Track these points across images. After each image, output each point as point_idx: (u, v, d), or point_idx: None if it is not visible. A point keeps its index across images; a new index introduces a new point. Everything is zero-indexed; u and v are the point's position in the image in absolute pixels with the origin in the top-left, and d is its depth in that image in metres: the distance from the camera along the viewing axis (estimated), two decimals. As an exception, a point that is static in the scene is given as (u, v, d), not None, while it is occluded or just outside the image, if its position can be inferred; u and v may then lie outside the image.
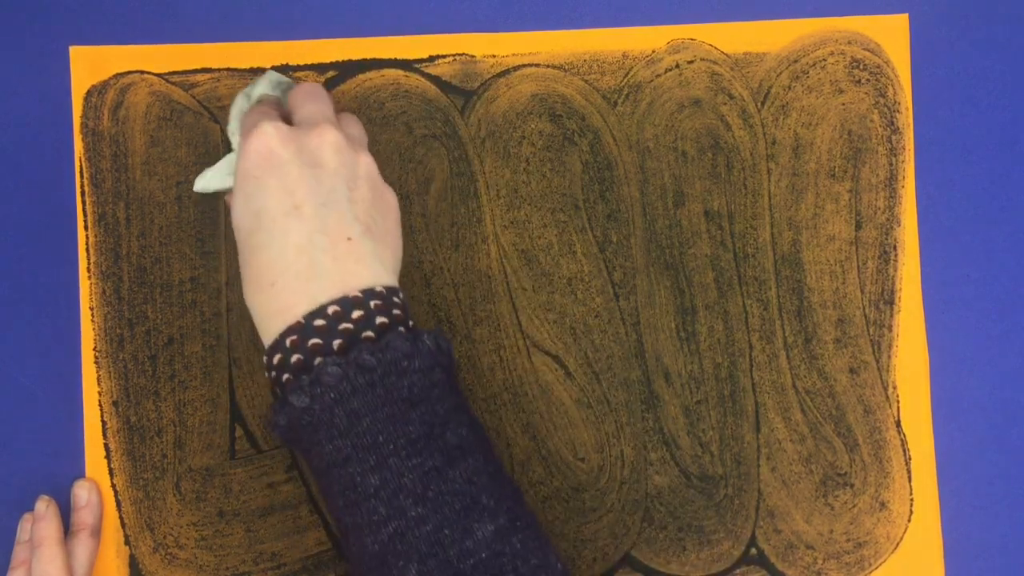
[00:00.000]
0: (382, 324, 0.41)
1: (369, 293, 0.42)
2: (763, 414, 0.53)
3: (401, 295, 0.43)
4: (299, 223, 0.42)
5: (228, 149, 0.51)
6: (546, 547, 0.41)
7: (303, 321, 0.41)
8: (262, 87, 0.49)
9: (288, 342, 0.41)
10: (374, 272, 0.42)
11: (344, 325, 0.41)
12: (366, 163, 0.45)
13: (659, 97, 0.53)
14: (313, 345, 0.41)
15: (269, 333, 0.42)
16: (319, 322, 0.41)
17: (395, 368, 0.40)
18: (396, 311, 0.42)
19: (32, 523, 0.50)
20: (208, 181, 0.50)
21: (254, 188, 0.43)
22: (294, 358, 0.41)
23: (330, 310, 0.41)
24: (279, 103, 0.49)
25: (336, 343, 0.41)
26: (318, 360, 0.40)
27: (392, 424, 0.40)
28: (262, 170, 0.43)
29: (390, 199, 0.46)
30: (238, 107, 0.49)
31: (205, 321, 0.53)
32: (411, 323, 0.43)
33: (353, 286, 0.42)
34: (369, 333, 0.41)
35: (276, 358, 0.41)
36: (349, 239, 0.42)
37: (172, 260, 0.53)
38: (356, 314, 0.41)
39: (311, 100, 0.46)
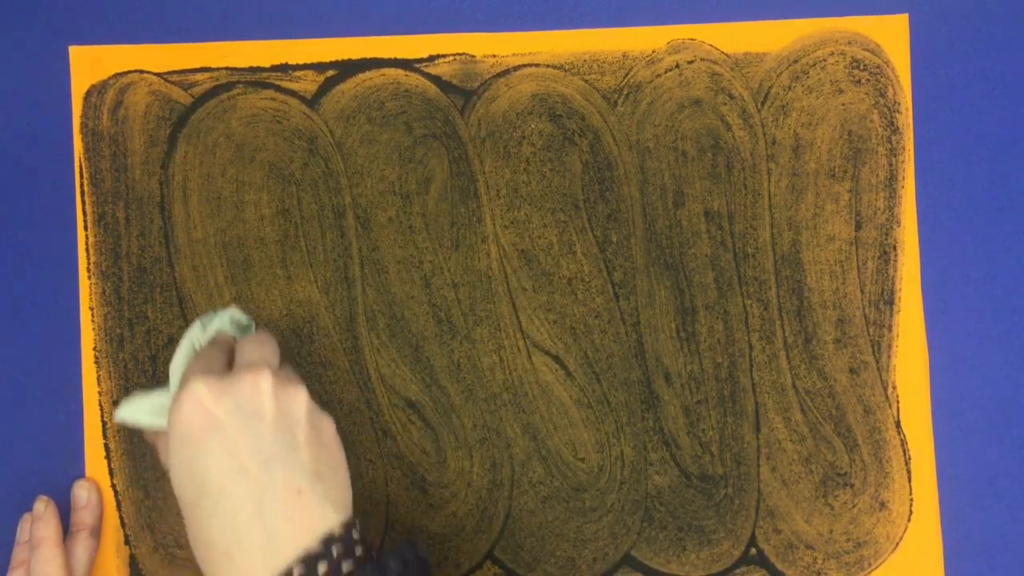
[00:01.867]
0: (349, 574, 0.40)
1: (328, 539, 0.40)
2: (763, 414, 0.53)
3: (357, 523, 0.41)
4: (246, 487, 0.40)
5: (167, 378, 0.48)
6: None
7: None
8: (219, 323, 0.48)
9: None
10: (328, 518, 0.40)
11: None
12: (301, 399, 0.42)
13: (659, 97, 0.53)
14: None
15: None
16: None
17: None
18: (358, 549, 0.40)
19: (31, 523, 0.50)
20: (137, 414, 0.45)
21: (193, 454, 0.40)
22: None
23: (295, 573, 0.39)
24: (230, 346, 0.47)
25: None
26: None
27: None
28: (199, 433, 0.40)
29: (328, 427, 0.43)
30: (190, 336, 0.47)
31: (205, 321, 0.53)
32: (372, 551, 0.41)
33: (311, 538, 0.39)
34: None
35: None
36: (300, 492, 0.40)
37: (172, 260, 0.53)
38: (322, 570, 0.39)
39: (255, 347, 0.44)
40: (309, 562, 0.39)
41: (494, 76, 0.53)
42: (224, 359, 0.45)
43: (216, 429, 0.40)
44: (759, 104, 0.54)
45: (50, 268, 0.53)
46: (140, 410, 0.45)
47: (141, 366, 0.52)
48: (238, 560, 0.39)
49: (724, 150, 0.53)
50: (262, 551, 0.39)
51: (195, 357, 0.45)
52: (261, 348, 0.44)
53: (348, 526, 0.40)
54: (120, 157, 0.53)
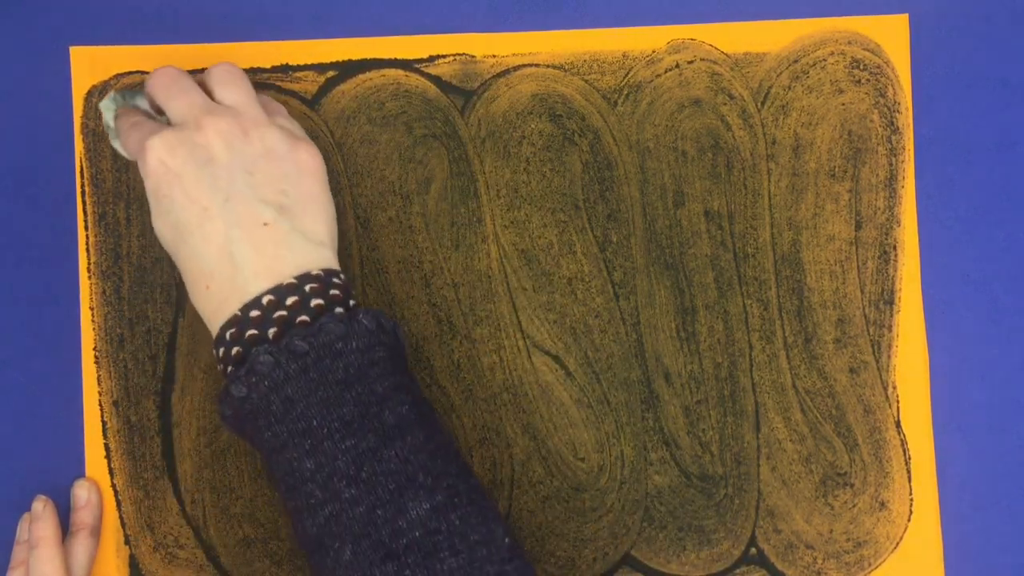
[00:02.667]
0: (318, 307, 0.42)
1: (304, 278, 0.42)
2: (763, 414, 0.53)
3: (342, 276, 0.44)
4: (211, 225, 0.42)
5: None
6: (491, 522, 0.41)
7: (239, 313, 0.42)
8: (120, 101, 0.50)
9: (228, 335, 0.42)
10: (303, 253, 0.43)
11: (279, 313, 0.41)
12: (263, 136, 0.44)
13: (659, 97, 0.53)
14: (250, 336, 0.41)
15: (213, 331, 0.43)
16: (254, 313, 0.41)
17: (328, 351, 0.40)
18: (334, 291, 0.42)
19: (30, 523, 0.50)
20: (107, 122, 0.50)
21: (165, 205, 0.43)
22: (234, 350, 0.42)
23: (264, 300, 0.41)
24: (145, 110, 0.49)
25: (271, 331, 0.41)
26: (254, 350, 0.41)
27: (326, 408, 0.40)
28: (165, 186, 0.43)
29: (306, 160, 0.45)
30: (108, 115, 0.50)
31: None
32: (352, 303, 0.43)
33: (285, 273, 0.42)
34: (304, 318, 0.41)
35: (220, 352, 0.42)
36: (265, 224, 0.42)
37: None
38: (290, 300, 0.41)
39: (224, 84, 0.46)
40: (278, 292, 0.41)
41: (494, 76, 0.53)
42: (155, 122, 0.46)
43: (176, 177, 0.43)
44: (759, 104, 0.54)
45: (50, 268, 0.53)
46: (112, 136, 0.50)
47: (141, 366, 0.52)
48: (213, 289, 0.43)
49: (724, 150, 0.53)
50: (231, 281, 0.42)
51: (126, 127, 0.46)
52: (231, 87, 0.45)
53: (329, 272, 0.43)
54: (120, 157, 0.53)
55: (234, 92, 0.45)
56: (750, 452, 0.53)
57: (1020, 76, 0.54)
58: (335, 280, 0.43)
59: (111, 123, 0.49)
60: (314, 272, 0.42)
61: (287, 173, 0.44)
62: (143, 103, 0.49)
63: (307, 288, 0.42)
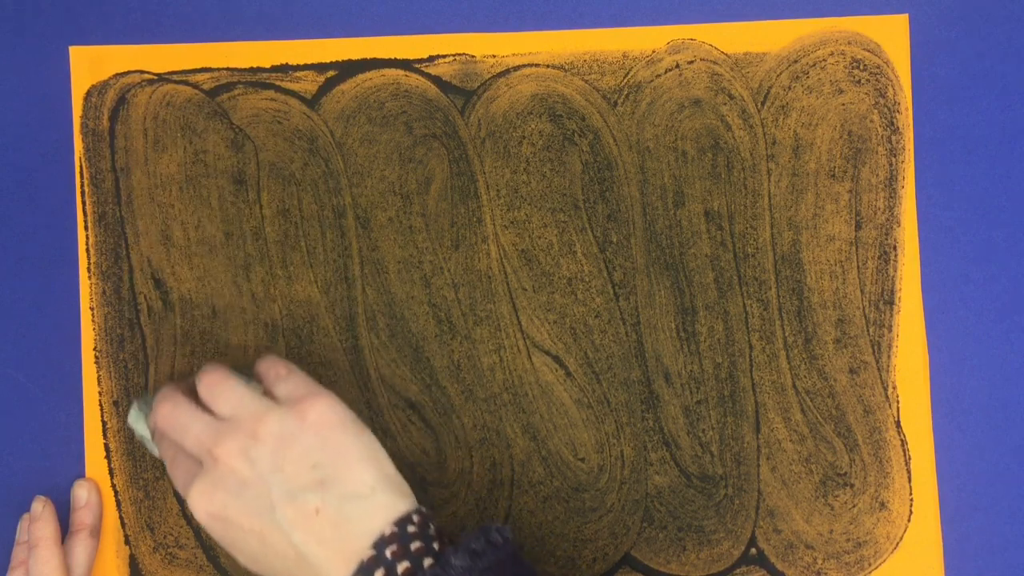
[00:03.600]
0: (406, 571, 0.39)
1: (381, 543, 0.40)
2: (763, 414, 0.53)
3: (415, 516, 0.41)
4: (272, 541, 0.41)
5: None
6: None
7: None
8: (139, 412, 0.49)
9: None
10: (366, 516, 0.41)
11: None
12: (269, 428, 0.42)
13: (659, 97, 0.53)
14: None
15: None
16: None
17: None
18: (415, 543, 0.40)
19: (29, 523, 0.50)
20: (142, 431, 0.49)
21: (230, 545, 0.43)
22: None
23: None
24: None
25: None
26: None
27: None
28: (220, 530, 0.42)
29: (318, 418, 0.43)
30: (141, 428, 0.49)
31: (205, 320, 0.53)
32: (436, 544, 0.41)
33: (360, 547, 0.40)
34: None
35: None
36: (316, 511, 0.41)
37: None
38: (378, 574, 0.39)
39: (215, 395, 0.44)
40: (362, 572, 0.39)
41: (494, 76, 0.53)
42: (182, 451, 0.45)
43: (226, 521, 0.42)
44: (759, 104, 0.54)
45: (50, 268, 0.53)
46: (142, 435, 0.49)
47: (141, 366, 0.52)
48: None
49: (724, 150, 0.53)
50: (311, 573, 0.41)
51: (172, 459, 0.45)
52: (217, 397, 0.44)
53: (402, 522, 0.40)
54: (120, 157, 0.53)
55: (224, 400, 0.44)
56: (750, 452, 0.53)
57: (1020, 76, 0.54)
58: (410, 528, 0.41)
59: (146, 433, 0.48)
60: (388, 532, 0.40)
61: (308, 446, 0.42)
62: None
63: (388, 554, 0.40)
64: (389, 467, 0.43)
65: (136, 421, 0.49)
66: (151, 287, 0.53)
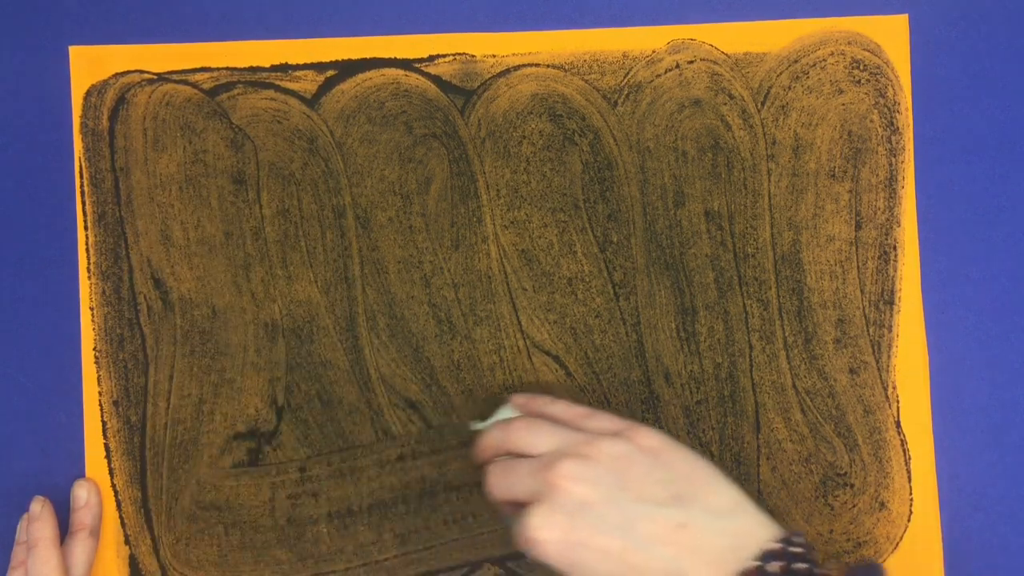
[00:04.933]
0: None
1: (766, 555, 0.39)
2: (763, 414, 0.53)
3: (799, 536, 0.40)
4: (636, 561, 0.40)
5: None
6: None
7: None
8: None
9: None
10: (743, 531, 0.40)
11: None
12: (600, 449, 0.42)
13: (659, 97, 0.53)
14: None
15: None
16: None
17: None
18: (801, 564, 0.39)
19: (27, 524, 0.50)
20: None
21: (581, 571, 0.42)
22: None
23: None
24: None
25: None
26: None
27: None
28: (569, 556, 0.41)
29: (648, 441, 0.43)
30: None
31: (204, 321, 0.53)
32: (817, 571, 0.40)
33: (741, 558, 0.40)
34: None
35: None
36: (682, 526, 0.41)
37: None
38: None
39: (532, 436, 0.44)
40: None
41: (494, 76, 0.53)
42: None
43: (577, 545, 0.41)
44: (759, 104, 0.54)
45: (50, 268, 0.53)
46: None
47: (141, 366, 0.52)
48: None
49: (724, 150, 0.53)
50: None
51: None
52: (534, 434, 0.44)
53: (785, 540, 0.40)
54: (120, 157, 0.53)
55: (543, 437, 0.44)
56: (750, 452, 0.53)
57: (1020, 76, 0.54)
58: (792, 549, 0.40)
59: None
60: (772, 548, 0.40)
61: (649, 466, 0.42)
62: None
63: (776, 568, 0.39)
64: (737, 488, 0.43)
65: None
66: (151, 287, 0.53)
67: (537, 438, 0.44)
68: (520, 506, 0.44)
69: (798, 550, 0.40)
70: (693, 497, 0.41)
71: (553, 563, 0.42)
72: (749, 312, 0.53)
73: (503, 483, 0.44)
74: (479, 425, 0.49)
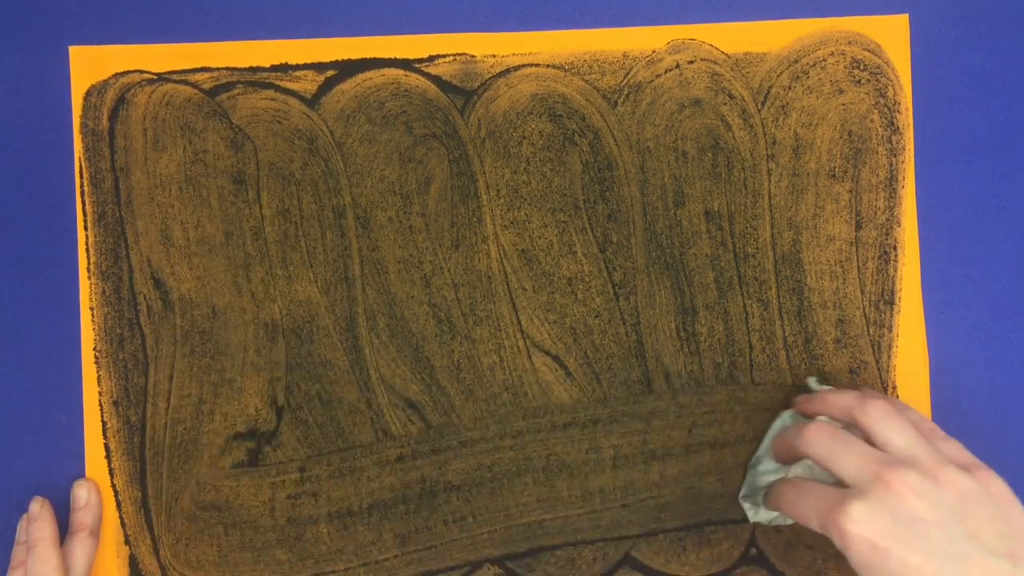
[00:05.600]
0: None
1: None
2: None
3: None
4: None
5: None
6: None
7: None
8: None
9: None
10: None
11: None
12: (953, 480, 0.41)
13: (659, 97, 0.53)
14: None
15: None
16: None
17: None
18: None
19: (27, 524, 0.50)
20: (763, 517, 0.49)
21: (862, 563, 0.41)
22: None
23: None
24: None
25: None
26: None
27: None
28: (877, 558, 0.40)
29: (999, 489, 0.42)
30: (780, 423, 0.50)
31: (204, 322, 0.53)
32: None
33: None
34: None
35: None
36: None
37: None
38: None
39: (886, 427, 0.43)
40: None
41: (494, 76, 0.53)
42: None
43: (886, 552, 0.40)
44: (759, 104, 0.54)
45: (50, 268, 0.53)
46: (767, 517, 0.50)
47: (141, 366, 0.52)
48: None
49: (724, 150, 0.53)
50: None
51: (800, 490, 0.45)
52: (893, 429, 0.43)
53: None
54: (120, 157, 0.53)
55: (899, 433, 0.43)
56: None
57: (1020, 76, 0.54)
58: None
59: (761, 515, 0.49)
60: None
61: (994, 514, 0.41)
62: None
63: None
64: None
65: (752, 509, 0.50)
66: (151, 287, 0.53)
67: (891, 430, 0.43)
68: (800, 464, 0.43)
69: None
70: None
71: (855, 560, 0.41)
72: (749, 312, 0.53)
73: (825, 445, 0.43)
74: (816, 385, 0.50)
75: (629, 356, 0.53)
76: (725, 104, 0.53)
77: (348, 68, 0.53)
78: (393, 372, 0.53)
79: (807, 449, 0.44)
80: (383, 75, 0.53)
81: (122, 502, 0.52)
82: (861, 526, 0.40)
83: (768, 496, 0.48)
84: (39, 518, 0.50)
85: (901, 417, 0.44)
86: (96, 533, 0.51)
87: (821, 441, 0.44)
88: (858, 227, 0.53)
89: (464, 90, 0.53)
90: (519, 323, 0.53)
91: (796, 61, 0.54)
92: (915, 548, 0.40)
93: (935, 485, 0.41)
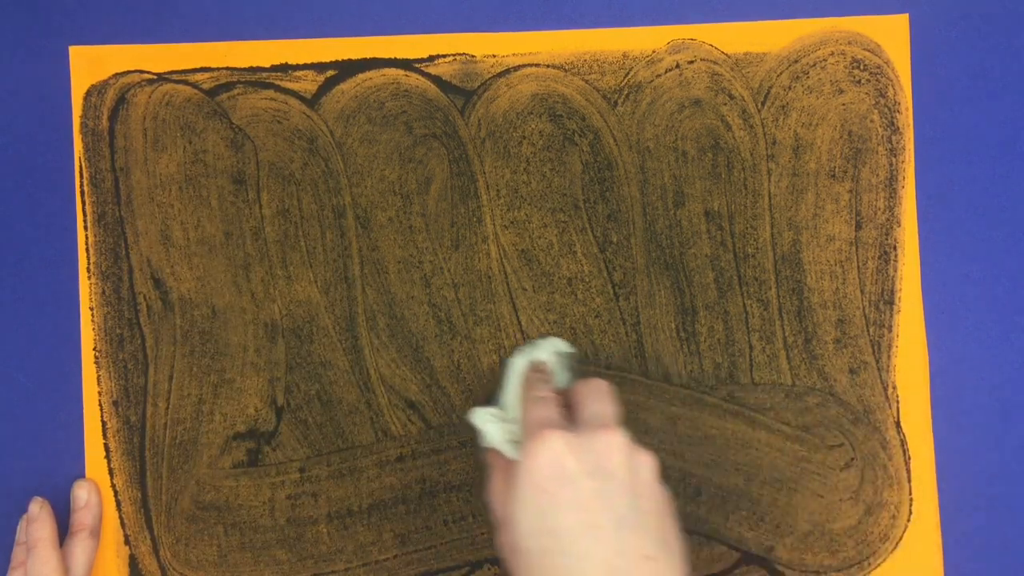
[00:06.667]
0: None
1: None
2: (763, 414, 0.53)
3: None
4: (598, 545, 0.39)
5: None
6: None
7: None
8: (542, 353, 0.50)
9: None
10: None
11: None
12: (648, 465, 0.42)
13: (659, 97, 0.53)
14: None
15: None
16: None
17: None
18: None
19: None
20: (491, 431, 0.47)
21: (546, 504, 0.40)
22: None
23: None
24: (552, 378, 0.49)
25: None
26: None
27: None
28: (553, 485, 0.40)
29: (666, 497, 0.43)
30: (516, 368, 0.49)
31: (203, 322, 0.53)
32: None
33: None
34: None
35: None
36: (648, 558, 0.39)
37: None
38: None
39: (599, 399, 0.44)
40: None
41: (494, 76, 0.53)
42: (557, 401, 0.45)
43: (570, 484, 0.40)
44: (759, 104, 0.54)
45: (50, 268, 0.53)
46: (494, 429, 0.47)
47: (141, 366, 0.52)
48: None
49: (724, 150, 0.53)
50: None
51: (529, 395, 0.46)
52: (605, 402, 0.44)
53: None
54: (120, 157, 0.53)
55: (607, 406, 0.44)
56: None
57: (1020, 76, 0.54)
58: None
59: (496, 433, 0.48)
60: None
61: (660, 507, 0.42)
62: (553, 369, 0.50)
63: None
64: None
65: (486, 422, 0.48)
66: (151, 287, 0.53)
67: (595, 398, 0.44)
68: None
69: None
70: (672, 552, 0.40)
71: (533, 475, 0.41)
72: (749, 312, 0.53)
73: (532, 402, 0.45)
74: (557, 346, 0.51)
75: (629, 356, 0.53)
76: (725, 104, 0.53)
77: (348, 68, 0.53)
78: (393, 372, 0.53)
79: (576, 391, 0.46)
80: (383, 75, 0.53)
81: (122, 502, 0.52)
82: (558, 448, 0.41)
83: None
84: (38, 519, 0.50)
85: (611, 396, 0.45)
86: (96, 533, 0.51)
87: (587, 390, 0.45)
88: (858, 227, 0.53)
89: (464, 90, 0.53)
90: (519, 323, 0.53)
91: (796, 61, 0.54)
92: (596, 495, 0.40)
93: (634, 458, 0.41)
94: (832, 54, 0.54)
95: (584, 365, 0.52)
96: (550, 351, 0.50)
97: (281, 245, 0.53)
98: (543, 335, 0.52)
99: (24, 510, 0.51)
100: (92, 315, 0.53)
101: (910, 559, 0.52)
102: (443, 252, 0.53)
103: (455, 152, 0.53)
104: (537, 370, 0.48)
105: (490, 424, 0.47)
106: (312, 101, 0.53)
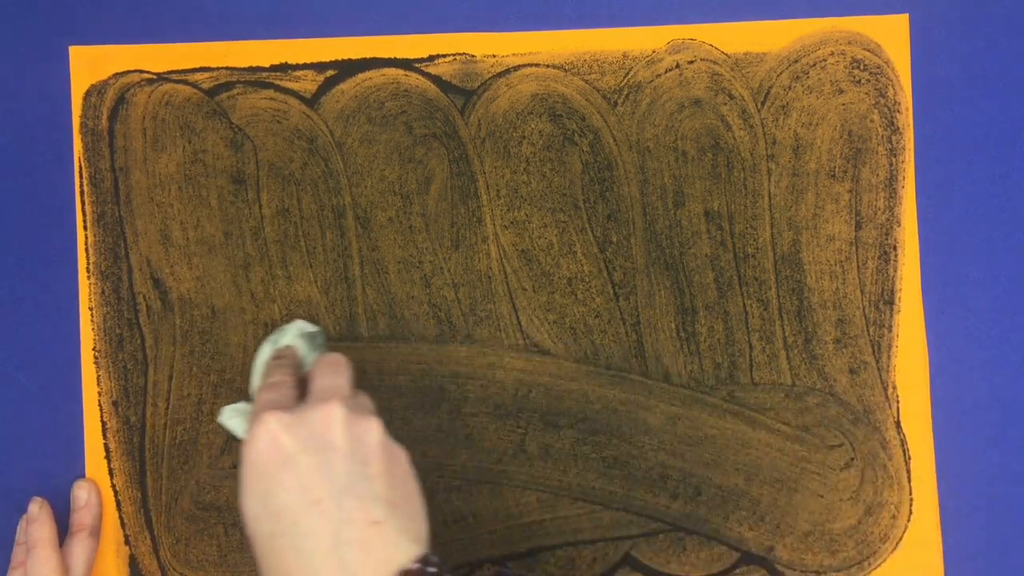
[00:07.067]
0: None
1: (404, 574, 0.38)
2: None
3: (435, 558, 0.40)
4: (321, 519, 0.39)
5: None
6: None
7: None
8: (288, 337, 0.49)
9: None
10: (405, 550, 0.39)
11: None
12: (375, 430, 0.42)
13: (659, 97, 0.53)
14: None
15: None
16: None
17: None
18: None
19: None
20: (232, 426, 0.48)
21: (267, 487, 0.40)
22: None
23: None
24: (299, 361, 0.48)
25: None
26: None
27: None
28: (272, 467, 0.40)
29: (401, 457, 0.42)
30: (262, 357, 0.49)
31: (203, 321, 0.53)
32: None
33: (388, 571, 0.38)
34: None
35: None
36: (376, 523, 0.39)
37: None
38: None
39: (329, 373, 0.44)
40: None
41: (494, 76, 0.53)
42: (293, 382, 0.45)
43: (289, 463, 0.40)
44: (759, 104, 0.53)
45: (50, 268, 0.53)
46: (237, 424, 0.48)
47: (141, 366, 0.52)
48: None
49: (724, 150, 0.53)
50: None
51: (264, 383, 0.45)
52: (334, 375, 0.44)
53: (424, 560, 0.39)
54: (120, 157, 0.53)
55: (336, 378, 0.44)
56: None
57: (1020, 76, 0.54)
58: (429, 570, 0.39)
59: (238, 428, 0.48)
60: (412, 567, 0.39)
61: (393, 470, 0.41)
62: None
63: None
64: (427, 532, 0.43)
65: (230, 418, 0.48)
66: (150, 287, 0.53)
67: (330, 373, 0.44)
68: None
69: (434, 570, 0.39)
70: (402, 514, 0.40)
71: (251, 460, 0.40)
72: (749, 312, 0.53)
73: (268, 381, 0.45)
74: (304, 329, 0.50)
75: (629, 356, 0.53)
76: (725, 104, 0.53)
77: (348, 68, 0.53)
78: (393, 372, 0.53)
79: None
80: (383, 75, 0.53)
81: (122, 502, 0.52)
82: (273, 427, 0.40)
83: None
84: (38, 519, 0.50)
85: (347, 368, 0.45)
86: (96, 533, 0.51)
87: (321, 367, 0.45)
88: (858, 227, 0.53)
89: (464, 90, 0.53)
90: (519, 323, 0.53)
91: (796, 61, 0.54)
92: (315, 470, 0.40)
93: (359, 424, 0.41)
94: (832, 54, 0.54)
95: (336, 343, 0.51)
96: (295, 334, 0.49)
97: (281, 245, 0.53)
98: (289, 318, 0.52)
99: (24, 510, 0.51)
100: (92, 315, 0.52)
101: (910, 559, 0.52)
102: (443, 252, 0.53)
103: (455, 152, 0.53)
104: (278, 356, 0.48)
105: (233, 420, 0.48)
106: (312, 101, 0.53)
